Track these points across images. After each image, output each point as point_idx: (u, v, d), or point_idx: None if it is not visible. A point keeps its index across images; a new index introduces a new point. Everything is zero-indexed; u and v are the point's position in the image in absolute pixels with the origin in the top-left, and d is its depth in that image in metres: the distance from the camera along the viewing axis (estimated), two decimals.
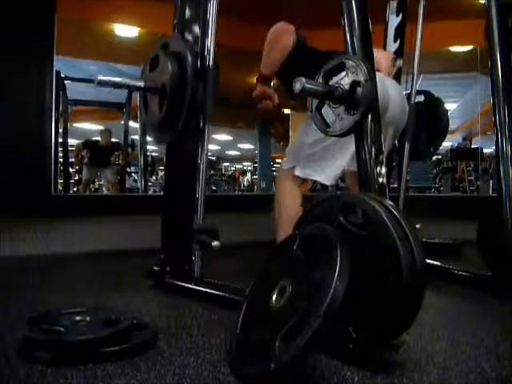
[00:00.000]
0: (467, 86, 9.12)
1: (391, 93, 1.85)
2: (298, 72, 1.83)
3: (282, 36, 1.85)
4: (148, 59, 1.59)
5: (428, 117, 2.40)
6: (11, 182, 4.41)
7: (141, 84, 1.56)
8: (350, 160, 1.78)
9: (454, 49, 7.31)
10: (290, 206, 1.85)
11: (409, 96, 2.22)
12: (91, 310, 1.20)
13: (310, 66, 1.81)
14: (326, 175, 1.84)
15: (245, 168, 15.45)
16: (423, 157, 2.73)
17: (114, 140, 7.21)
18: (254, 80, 1.94)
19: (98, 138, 7.15)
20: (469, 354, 1.12)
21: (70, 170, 7.47)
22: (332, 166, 1.83)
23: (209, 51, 1.61)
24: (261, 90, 1.93)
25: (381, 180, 1.24)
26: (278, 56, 1.86)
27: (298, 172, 1.86)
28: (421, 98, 2.46)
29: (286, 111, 7.83)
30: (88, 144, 7.17)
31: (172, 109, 1.48)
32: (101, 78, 1.45)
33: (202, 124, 1.59)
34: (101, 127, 7.64)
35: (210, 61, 1.59)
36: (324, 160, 1.82)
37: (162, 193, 2.01)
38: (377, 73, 1.31)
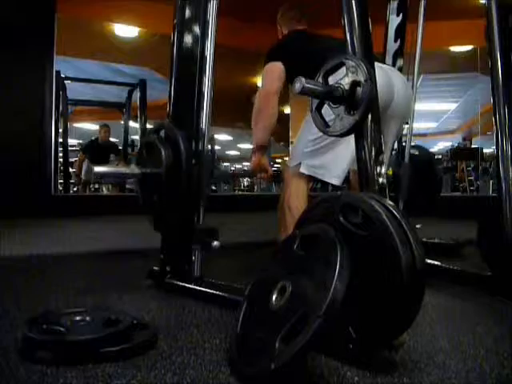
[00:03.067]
0: (467, 85, 9.12)
1: (396, 84, 1.85)
2: (302, 69, 1.89)
3: (264, 109, 1.95)
4: (143, 145, 1.66)
5: (423, 174, 2.41)
6: (11, 182, 4.41)
7: (137, 172, 1.60)
8: (353, 158, 1.78)
9: (454, 49, 7.31)
10: (295, 206, 1.85)
11: (403, 151, 2.27)
12: (91, 310, 1.20)
13: (311, 58, 1.87)
14: (330, 172, 1.84)
15: (244, 168, 15.44)
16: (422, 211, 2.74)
17: (112, 140, 7.09)
18: (254, 80, 1.97)
19: (97, 137, 7.01)
20: (469, 353, 1.12)
21: (70, 169, 7.43)
22: (336, 161, 1.82)
23: (208, 57, 1.64)
24: (256, 162, 2.03)
25: (381, 180, 1.24)
26: (264, 128, 1.98)
27: (303, 169, 1.86)
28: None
29: (286, 111, 7.84)
30: (88, 147, 7.02)
31: (168, 195, 1.56)
32: (97, 169, 1.50)
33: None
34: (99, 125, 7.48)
35: (205, 143, 1.66)
36: (327, 156, 1.81)
37: None
38: (382, 65, 1.31)
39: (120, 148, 7.29)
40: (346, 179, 2.10)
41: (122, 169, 1.63)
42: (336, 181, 1.85)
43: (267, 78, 1.98)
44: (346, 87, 1.18)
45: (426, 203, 2.52)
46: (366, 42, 1.29)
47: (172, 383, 0.94)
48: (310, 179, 1.93)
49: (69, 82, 6.68)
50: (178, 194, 1.54)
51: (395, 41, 2.57)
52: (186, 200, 1.57)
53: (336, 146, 1.78)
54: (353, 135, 1.24)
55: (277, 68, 1.94)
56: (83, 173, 6.97)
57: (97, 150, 6.79)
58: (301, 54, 1.97)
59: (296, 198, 1.88)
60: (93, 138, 7.18)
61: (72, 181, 7.58)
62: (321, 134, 1.75)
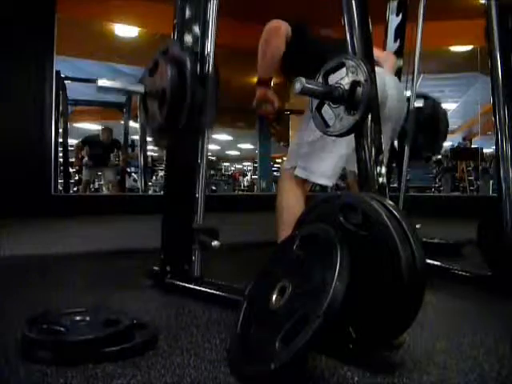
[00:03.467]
0: (467, 85, 9.12)
1: (390, 88, 1.85)
2: (299, 62, 1.85)
3: (272, 38, 1.84)
4: (148, 64, 1.59)
5: (428, 122, 2.41)
6: (11, 182, 4.41)
7: (141, 89, 1.56)
8: (349, 159, 1.78)
9: (454, 49, 7.31)
10: (291, 206, 1.83)
11: (408, 100, 2.25)
12: (91, 310, 1.20)
13: (310, 55, 1.82)
14: (323, 175, 1.82)
15: (245, 168, 15.47)
16: (423, 158, 2.78)
17: (113, 138, 7.06)
18: (254, 80, 1.95)
19: (98, 135, 6.99)
20: (469, 354, 1.12)
21: (70, 169, 7.43)
22: (330, 165, 1.82)
23: (209, 52, 1.61)
24: (261, 93, 1.92)
25: (381, 180, 1.24)
26: (271, 59, 1.87)
27: (297, 172, 1.85)
28: (420, 102, 2.47)
29: (286, 111, 7.85)
30: (88, 141, 6.99)
31: (172, 113, 1.48)
32: (101, 83, 1.45)
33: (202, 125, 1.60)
34: (101, 127, 7.49)
35: (210, 64, 1.60)
36: (322, 159, 1.80)
37: (161, 193, 2.01)
38: (376, 68, 1.31)
39: (119, 140, 7.26)
40: (344, 178, 2.09)
41: (127, 84, 1.58)
42: (324, 181, 1.83)
43: (270, 30, 1.84)
44: (346, 87, 1.18)
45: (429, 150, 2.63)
46: (365, 41, 1.29)
47: (172, 383, 0.94)
48: (307, 180, 1.92)
49: (69, 82, 6.68)
50: (182, 112, 1.47)
51: (395, 41, 2.58)
52: (189, 119, 1.49)
53: (329, 147, 1.76)
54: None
55: (281, 24, 1.85)
56: (84, 175, 6.98)
57: (98, 148, 6.75)
58: (300, 28, 1.92)
59: (292, 198, 1.87)
60: (94, 135, 7.11)
61: (72, 181, 7.60)
62: (316, 137, 1.75)
